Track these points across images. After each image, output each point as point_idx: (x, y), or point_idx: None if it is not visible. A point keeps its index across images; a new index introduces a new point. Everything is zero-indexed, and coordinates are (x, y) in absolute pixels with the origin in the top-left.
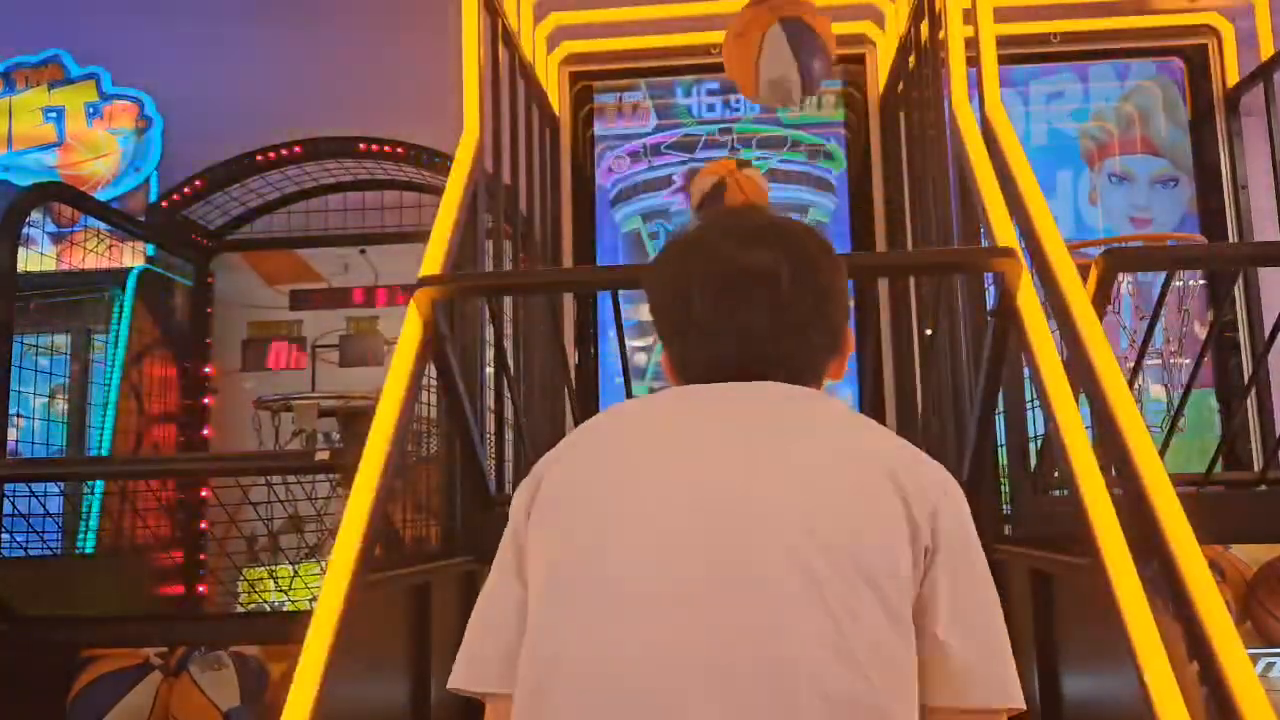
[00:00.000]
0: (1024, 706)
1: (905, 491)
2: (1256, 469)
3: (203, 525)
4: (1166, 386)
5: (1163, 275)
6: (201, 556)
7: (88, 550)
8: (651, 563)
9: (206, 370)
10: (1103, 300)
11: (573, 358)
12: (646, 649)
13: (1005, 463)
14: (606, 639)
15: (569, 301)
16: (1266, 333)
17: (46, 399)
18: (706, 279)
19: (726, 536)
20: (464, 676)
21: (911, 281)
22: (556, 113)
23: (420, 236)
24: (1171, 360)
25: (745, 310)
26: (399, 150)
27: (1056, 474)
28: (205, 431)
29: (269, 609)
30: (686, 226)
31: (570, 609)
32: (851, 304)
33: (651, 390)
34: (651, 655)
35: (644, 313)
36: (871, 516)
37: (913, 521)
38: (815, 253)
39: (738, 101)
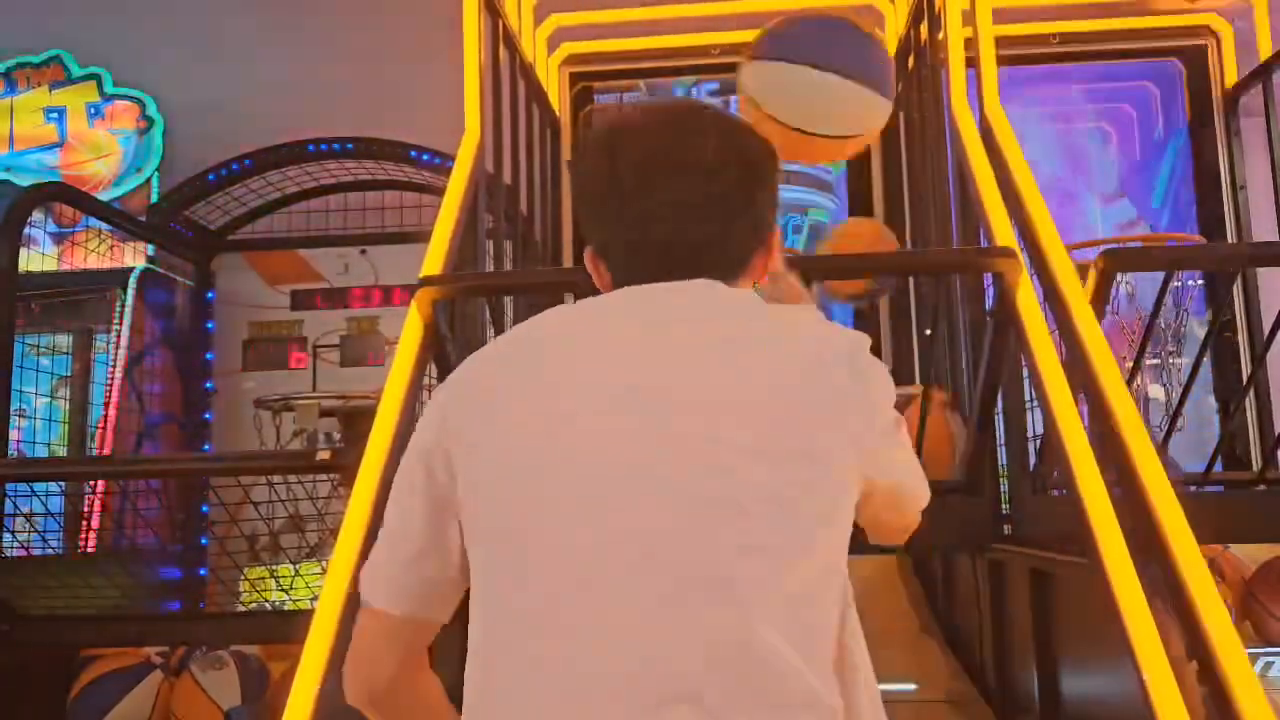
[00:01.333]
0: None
1: (846, 376)
2: (1255, 469)
3: (203, 525)
4: (1165, 386)
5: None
6: (202, 556)
7: (88, 550)
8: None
9: (207, 370)
10: (1102, 300)
11: None
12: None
13: (1005, 463)
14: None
15: (569, 302)
16: (1265, 333)
17: (48, 399)
18: (632, 157)
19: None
20: (366, 589)
21: (911, 281)
22: (557, 113)
23: (421, 236)
24: (1170, 360)
25: (673, 188)
26: (399, 150)
27: (1056, 474)
28: (206, 431)
29: (270, 608)
30: (617, 115)
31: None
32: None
33: None
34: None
35: None
36: (814, 409)
37: (853, 404)
38: (742, 135)
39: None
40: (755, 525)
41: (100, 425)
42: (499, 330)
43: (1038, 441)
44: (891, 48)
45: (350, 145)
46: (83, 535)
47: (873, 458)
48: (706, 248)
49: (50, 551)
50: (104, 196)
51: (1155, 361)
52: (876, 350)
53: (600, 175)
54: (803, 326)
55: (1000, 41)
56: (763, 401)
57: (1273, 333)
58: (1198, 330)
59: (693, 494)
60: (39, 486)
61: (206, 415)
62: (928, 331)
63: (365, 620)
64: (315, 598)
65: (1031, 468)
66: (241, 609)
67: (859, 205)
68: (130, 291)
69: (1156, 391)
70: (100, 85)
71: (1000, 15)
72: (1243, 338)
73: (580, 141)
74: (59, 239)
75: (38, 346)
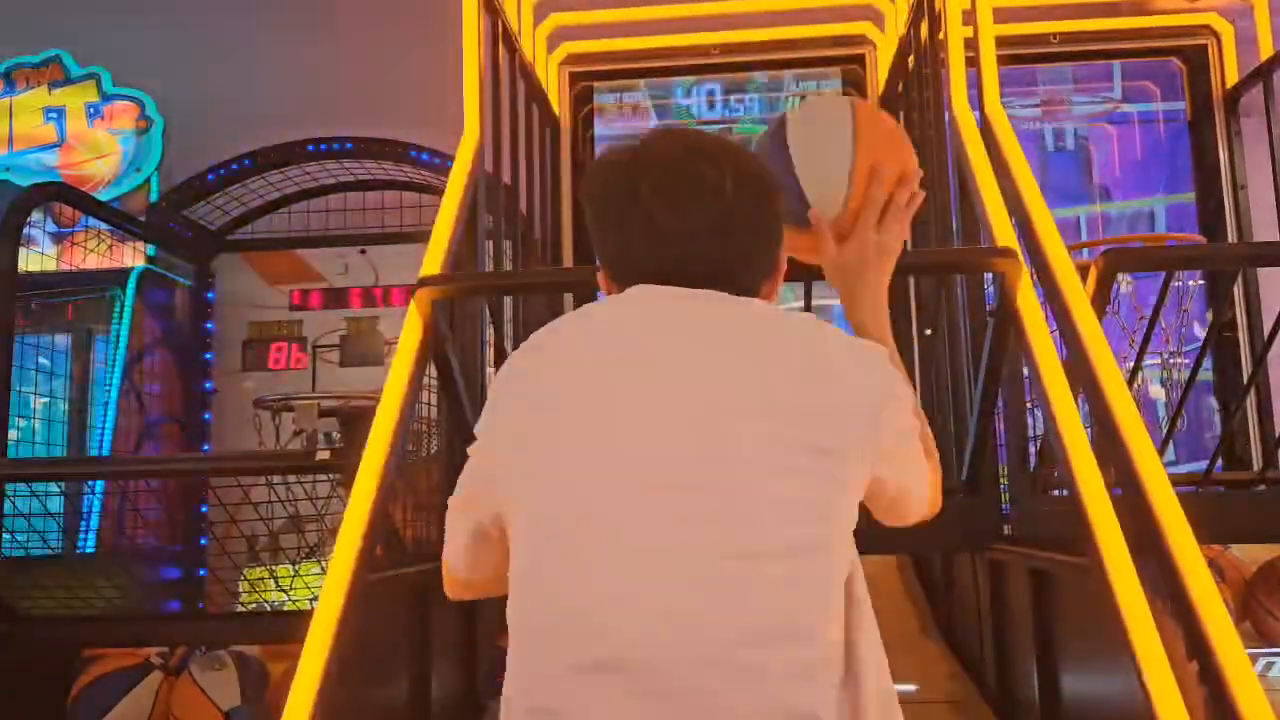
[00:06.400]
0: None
1: (862, 376)
2: (1256, 469)
3: (203, 525)
4: (1165, 386)
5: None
6: (202, 556)
7: (88, 550)
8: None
9: (207, 370)
10: (1102, 300)
11: None
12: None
13: (1005, 463)
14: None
15: (569, 301)
16: (1266, 333)
17: (47, 399)
18: (657, 177)
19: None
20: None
21: (911, 281)
22: (557, 113)
23: (420, 236)
24: (1171, 360)
25: (694, 211)
26: (399, 150)
27: (1056, 474)
28: (206, 431)
29: (269, 609)
30: (629, 141)
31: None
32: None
33: None
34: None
35: None
36: (829, 400)
37: (869, 406)
38: (755, 168)
39: (738, 101)
40: (767, 518)
41: (100, 425)
42: (499, 330)
43: (1038, 441)
44: (891, 47)
45: (350, 145)
46: (83, 535)
47: (886, 460)
48: (722, 270)
49: (50, 551)
50: (103, 196)
51: (1155, 361)
52: None
53: (620, 196)
54: (825, 334)
55: (1000, 41)
56: (783, 401)
57: (1273, 333)
58: (1198, 330)
59: (705, 488)
60: (39, 486)
61: (206, 415)
62: (928, 331)
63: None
64: (315, 598)
65: (1031, 468)
66: (241, 609)
67: None
68: (130, 292)
69: (1157, 392)
70: (100, 85)
71: (1000, 15)
72: (1243, 338)
73: (593, 163)
74: (59, 239)
75: (37, 347)
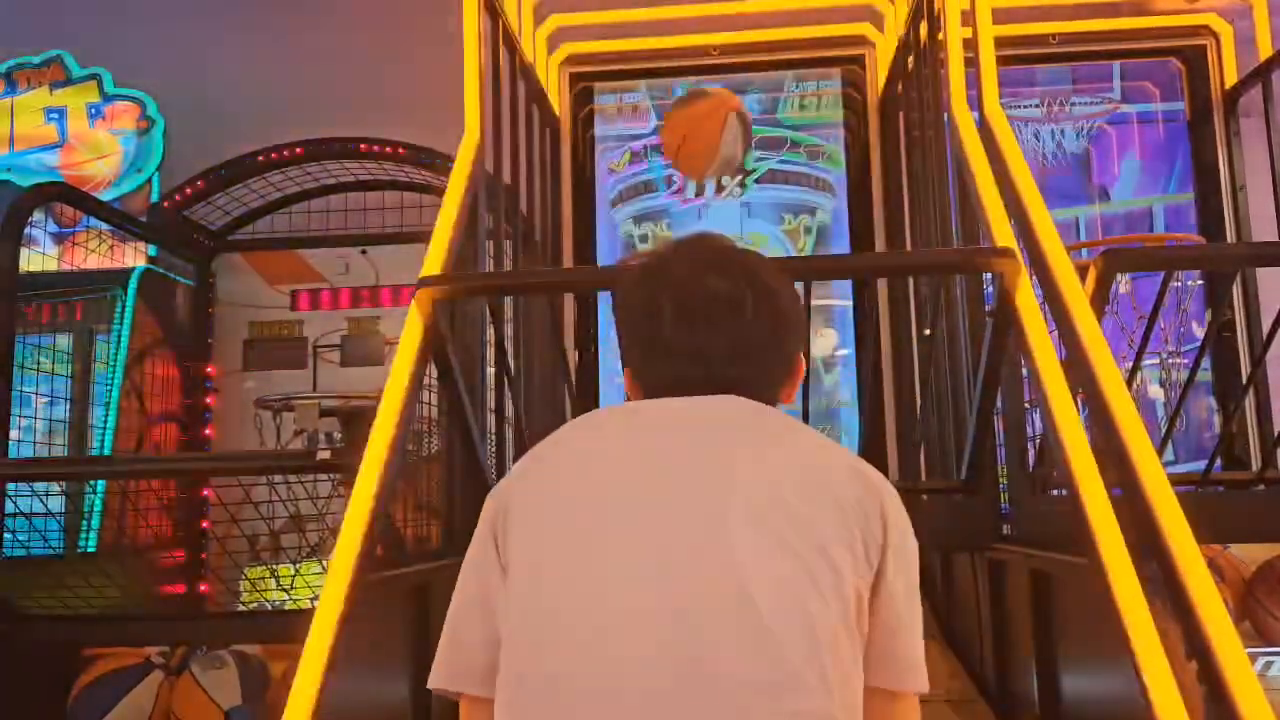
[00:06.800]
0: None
1: (862, 489)
2: (1255, 469)
3: (204, 524)
4: (1164, 386)
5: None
6: (203, 556)
7: (89, 550)
8: (636, 584)
9: (208, 370)
10: (1101, 301)
11: (573, 358)
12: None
13: (1005, 463)
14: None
15: (569, 301)
16: (1265, 333)
17: (48, 399)
18: (674, 301)
19: (705, 564)
20: (445, 677)
21: (911, 282)
22: (557, 113)
23: (421, 237)
24: (1170, 360)
25: (707, 332)
26: (399, 150)
27: (1056, 474)
28: (207, 431)
29: (270, 608)
30: (654, 251)
31: (556, 627)
32: (848, 304)
33: None
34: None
35: None
36: (834, 515)
37: (867, 519)
38: (774, 283)
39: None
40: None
41: (100, 425)
42: (499, 330)
43: (1037, 441)
44: (890, 47)
45: (350, 145)
46: (83, 535)
47: (879, 584)
48: (740, 385)
49: (50, 551)
50: (104, 196)
51: (1154, 361)
52: (876, 349)
53: (641, 312)
54: (839, 455)
55: (1000, 42)
56: (790, 507)
57: (1272, 333)
58: (1197, 330)
59: (705, 589)
60: (39, 486)
61: (206, 415)
62: (928, 331)
63: (469, 712)
64: (315, 597)
65: (1031, 468)
66: (242, 608)
67: (858, 205)
68: (131, 292)
69: (1156, 392)
70: (100, 85)
71: (1000, 15)
72: (1241, 338)
73: (624, 274)
74: (59, 239)
75: (38, 347)
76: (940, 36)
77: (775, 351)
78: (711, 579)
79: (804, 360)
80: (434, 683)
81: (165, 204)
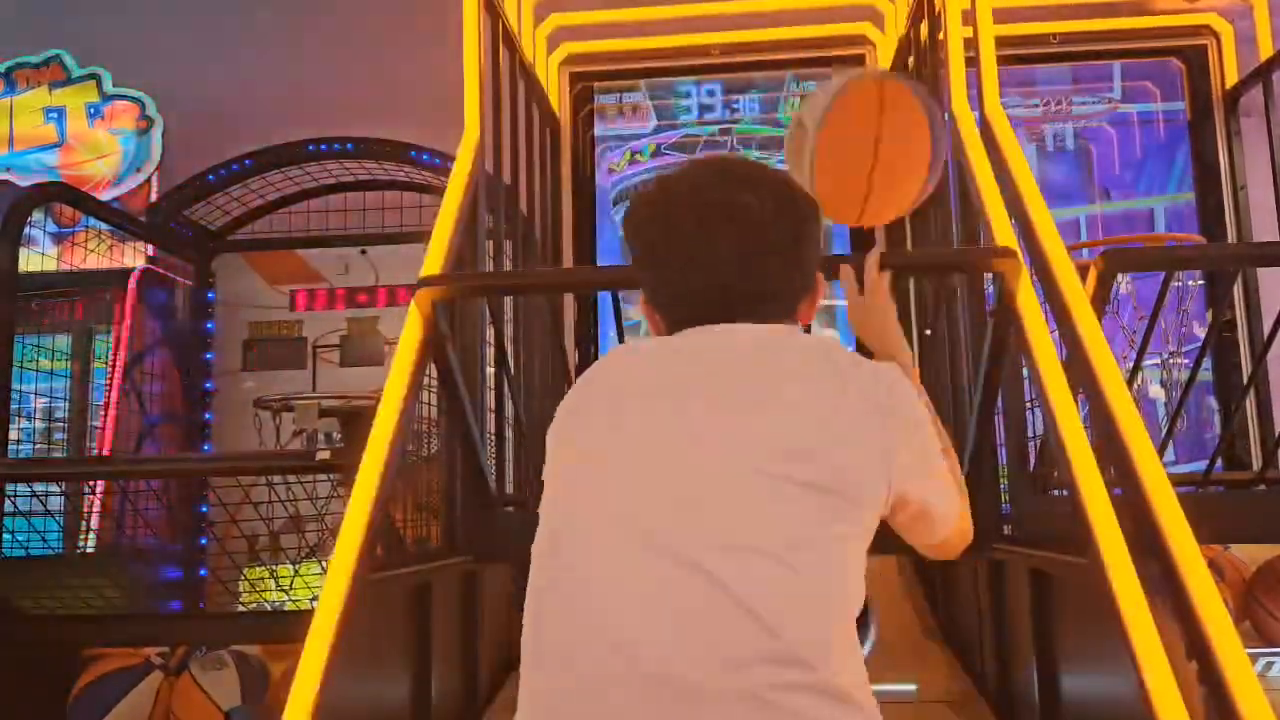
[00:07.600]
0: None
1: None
2: (1255, 469)
3: (203, 525)
4: (1165, 386)
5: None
6: (202, 556)
7: (88, 550)
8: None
9: (207, 370)
10: (1102, 300)
11: (573, 358)
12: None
13: (1005, 462)
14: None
15: (569, 301)
16: (1265, 333)
17: (48, 399)
18: (689, 204)
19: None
20: None
21: (911, 281)
22: (557, 113)
23: (421, 237)
24: (1171, 360)
25: (726, 237)
26: (399, 150)
27: (1056, 474)
28: (206, 431)
29: (270, 608)
30: (668, 169)
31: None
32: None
33: None
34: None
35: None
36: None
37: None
38: (794, 192)
39: (737, 102)
40: (775, 530)
41: (100, 425)
42: (499, 330)
43: (1038, 441)
44: (891, 48)
45: (350, 145)
46: (83, 535)
47: (904, 473)
48: (759, 295)
49: (50, 551)
50: (104, 196)
51: (1155, 361)
52: None
53: (656, 225)
54: (845, 360)
55: (1000, 41)
56: (805, 423)
57: (1272, 333)
58: (1198, 330)
59: (724, 499)
60: (39, 486)
61: (206, 415)
62: (928, 331)
63: None
64: (315, 598)
65: (1031, 468)
66: (241, 609)
67: None
68: (130, 292)
69: (1156, 392)
70: (100, 85)
71: (1000, 15)
72: (1242, 338)
73: (632, 196)
74: (59, 239)
75: (37, 347)
76: (941, 36)
77: (793, 257)
78: (723, 520)
79: (823, 280)
80: None
81: (164, 204)
